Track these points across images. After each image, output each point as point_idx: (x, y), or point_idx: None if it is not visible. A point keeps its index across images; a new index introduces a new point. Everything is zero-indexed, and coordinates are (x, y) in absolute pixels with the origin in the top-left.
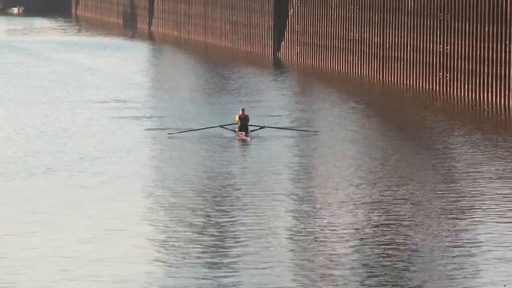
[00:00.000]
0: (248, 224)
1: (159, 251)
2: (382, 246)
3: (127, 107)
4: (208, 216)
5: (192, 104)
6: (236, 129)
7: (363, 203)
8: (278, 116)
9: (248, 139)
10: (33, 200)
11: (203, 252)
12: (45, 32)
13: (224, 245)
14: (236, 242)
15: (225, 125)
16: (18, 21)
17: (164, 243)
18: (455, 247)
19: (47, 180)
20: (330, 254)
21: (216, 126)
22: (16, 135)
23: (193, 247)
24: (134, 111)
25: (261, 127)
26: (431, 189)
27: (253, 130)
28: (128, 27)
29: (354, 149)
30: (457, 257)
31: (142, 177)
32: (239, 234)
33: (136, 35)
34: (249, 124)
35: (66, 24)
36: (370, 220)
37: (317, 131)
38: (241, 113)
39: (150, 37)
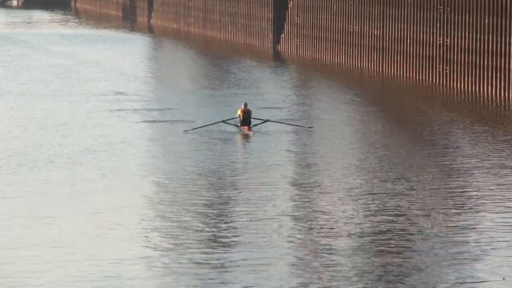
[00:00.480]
0: (248, 221)
1: (159, 246)
2: (384, 240)
3: (127, 99)
4: (208, 209)
5: (192, 96)
6: (239, 124)
7: (365, 196)
8: (278, 108)
9: (251, 133)
10: (35, 193)
11: (202, 246)
12: (45, 24)
13: (225, 240)
14: (236, 237)
15: (227, 119)
16: (17, 13)
17: (164, 236)
18: (455, 239)
19: (49, 173)
20: (334, 250)
21: (219, 122)
22: (16, 128)
23: (193, 242)
24: (134, 104)
25: (265, 121)
26: (430, 182)
27: (257, 124)
28: (128, 19)
29: (355, 143)
30: (457, 249)
31: (143, 171)
32: (240, 230)
33: (135, 27)
34: (252, 117)
35: (65, 16)
36: (373, 214)
37: (312, 127)
38: (243, 107)
39: (150, 30)
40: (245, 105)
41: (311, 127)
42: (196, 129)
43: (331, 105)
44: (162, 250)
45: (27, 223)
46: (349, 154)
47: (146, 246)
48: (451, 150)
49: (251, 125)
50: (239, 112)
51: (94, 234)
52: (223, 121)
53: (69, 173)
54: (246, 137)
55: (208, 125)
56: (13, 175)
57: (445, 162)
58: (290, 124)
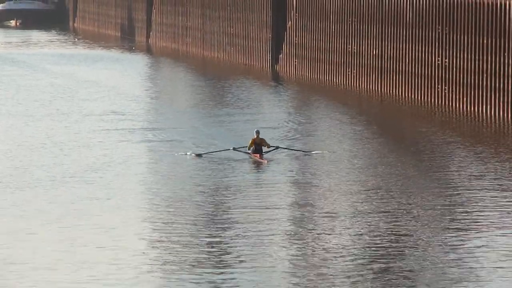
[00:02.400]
0: (251, 250)
1: (165, 268)
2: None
3: (126, 119)
4: (213, 231)
5: (191, 116)
6: (250, 151)
7: (371, 217)
8: (278, 128)
9: (265, 162)
10: (42, 212)
11: (204, 268)
12: (43, 44)
13: (228, 266)
14: (240, 262)
15: (238, 147)
16: (15, 33)
17: (168, 257)
18: (456, 258)
19: (53, 191)
20: (340, 276)
21: (229, 149)
22: (17, 148)
23: (195, 262)
24: (134, 123)
25: (275, 148)
26: (433, 203)
27: (267, 151)
28: (126, 39)
29: (360, 168)
30: (458, 268)
31: (147, 190)
32: (244, 256)
33: (133, 47)
34: (266, 147)
35: (63, 36)
36: (378, 237)
37: (327, 152)
38: (255, 136)
39: (148, 50)
40: (257, 132)
41: (325, 152)
42: (205, 154)
43: (333, 127)
44: (166, 270)
45: (34, 240)
46: (358, 179)
47: (152, 266)
48: (451, 171)
49: (262, 153)
50: (250, 142)
51: (100, 253)
52: (234, 149)
53: (74, 192)
54: (258, 165)
55: (219, 151)
56: (17, 194)
57: (446, 183)
58: (302, 151)
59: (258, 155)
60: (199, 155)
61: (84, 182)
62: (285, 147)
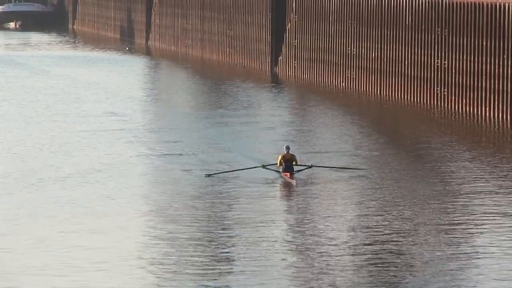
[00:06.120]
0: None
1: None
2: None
3: (126, 121)
4: (217, 234)
5: (191, 118)
6: (280, 170)
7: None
8: (276, 128)
9: (294, 182)
10: (54, 211)
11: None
12: (43, 46)
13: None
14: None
15: (267, 165)
16: (15, 35)
17: (171, 262)
18: (459, 264)
19: (62, 192)
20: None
21: (258, 167)
22: (20, 149)
23: (196, 270)
24: (135, 125)
25: (309, 167)
26: (436, 209)
27: (300, 170)
28: (125, 41)
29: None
30: (460, 274)
31: (146, 194)
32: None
33: (133, 49)
34: (295, 164)
35: (63, 38)
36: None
37: (365, 168)
38: (285, 152)
39: (147, 52)
40: (287, 148)
41: (365, 168)
42: (234, 172)
43: (341, 136)
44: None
45: (40, 241)
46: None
47: (157, 274)
48: (451, 173)
49: (293, 172)
50: (280, 158)
51: (102, 254)
52: (263, 166)
53: (82, 192)
54: (288, 185)
55: (247, 168)
56: (26, 194)
57: (445, 186)
58: (341, 168)
59: (288, 174)
60: (227, 172)
61: (89, 183)
62: (319, 165)
